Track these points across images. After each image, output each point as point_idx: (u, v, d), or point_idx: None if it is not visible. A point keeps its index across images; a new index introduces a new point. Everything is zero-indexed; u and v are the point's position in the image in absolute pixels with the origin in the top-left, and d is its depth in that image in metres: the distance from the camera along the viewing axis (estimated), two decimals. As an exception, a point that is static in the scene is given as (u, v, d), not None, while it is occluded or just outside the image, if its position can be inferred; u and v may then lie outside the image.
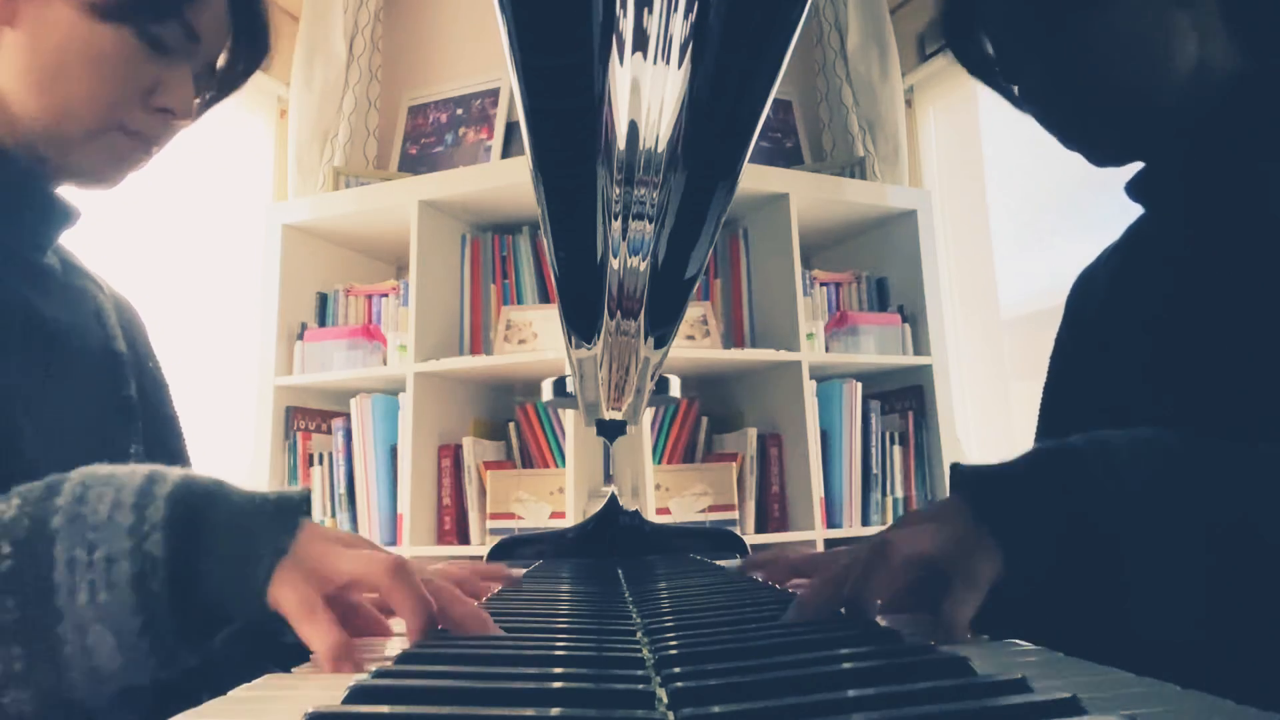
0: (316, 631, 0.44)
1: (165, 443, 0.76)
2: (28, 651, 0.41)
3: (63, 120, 0.65)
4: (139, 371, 0.75)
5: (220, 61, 0.74)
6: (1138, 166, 0.73)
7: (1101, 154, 0.73)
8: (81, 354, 0.68)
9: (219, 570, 0.44)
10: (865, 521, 2.05)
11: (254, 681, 0.37)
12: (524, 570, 0.82)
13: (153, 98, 0.68)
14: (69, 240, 0.74)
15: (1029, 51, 0.71)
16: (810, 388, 1.99)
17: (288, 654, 0.47)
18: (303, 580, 0.45)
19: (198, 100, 0.73)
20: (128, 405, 0.71)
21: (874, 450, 2.09)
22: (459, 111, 2.46)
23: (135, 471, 0.46)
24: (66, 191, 0.71)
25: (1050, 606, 0.47)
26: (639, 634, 0.43)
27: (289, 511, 0.47)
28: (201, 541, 0.44)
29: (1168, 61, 0.65)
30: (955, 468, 0.52)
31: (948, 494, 0.52)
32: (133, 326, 0.78)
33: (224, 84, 0.76)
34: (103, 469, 0.46)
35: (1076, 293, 0.81)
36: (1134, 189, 0.72)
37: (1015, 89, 0.75)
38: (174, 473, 0.47)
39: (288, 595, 0.44)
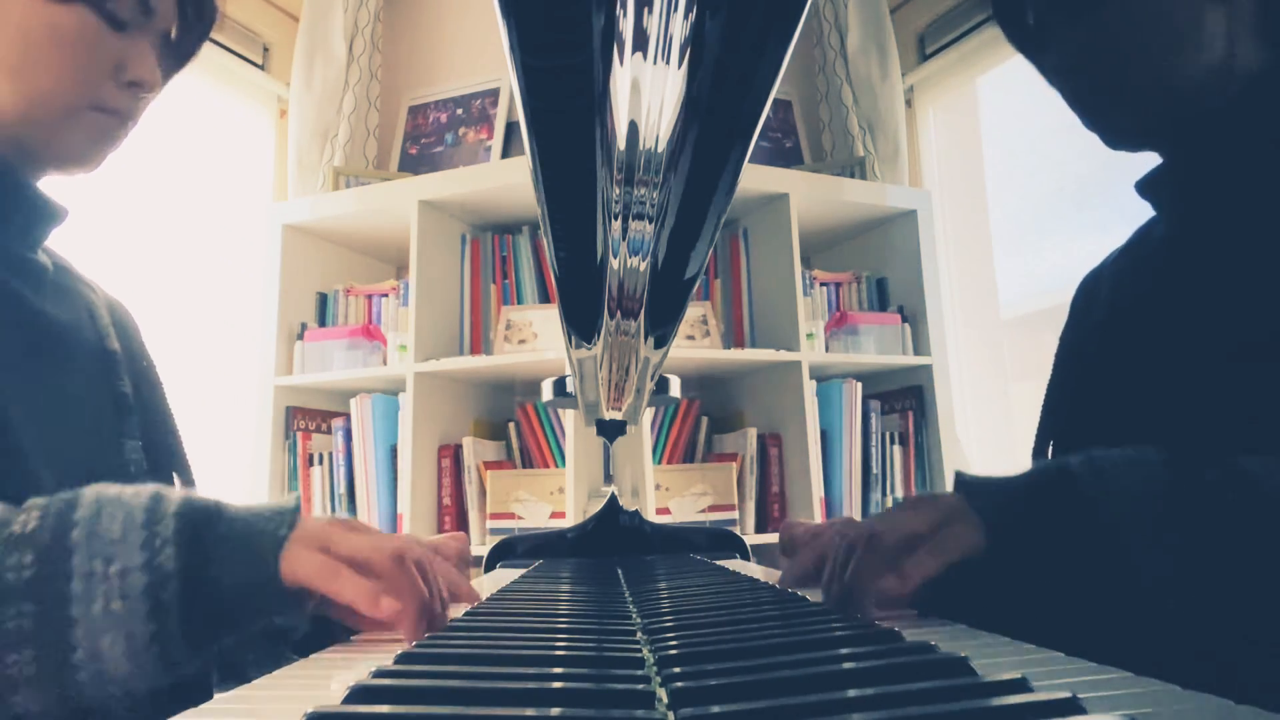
0: (347, 585, 0.47)
1: (160, 440, 0.76)
2: (41, 656, 0.42)
3: (38, 104, 0.65)
4: (133, 370, 0.75)
5: (172, 33, 0.75)
6: (1146, 161, 0.72)
7: (1118, 135, 0.73)
8: (76, 349, 0.69)
9: (228, 574, 0.47)
10: (865, 521, 2.05)
11: (253, 681, 0.37)
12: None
13: (122, 73, 0.69)
14: (60, 246, 0.74)
15: (1069, 23, 0.71)
16: (810, 388, 1.99)
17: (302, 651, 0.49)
18: (315, 549, 0.48)
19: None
20: (122, 401, 0.71)
21: (874, 450, 2.09)
22: (459, 111, 2.46)
23: (140, 491, 0.48)
24: (54, 188, 0.70)
25: (1010, 600, 0.48)
26: (639, 634, 0.43)
27: (285, 512, 0.50)
28: (209, 552, 0.47)
29: (1197, 51, 0.66)
30: (957, 475, 0.54)
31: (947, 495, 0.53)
32: (125, 327, 0.78)
33: (179, 55, 0.76)
34: (111, 488, 0.48)
35: (1081, 296, 0.81)
36: (1144, 188, 0.72)
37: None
38: (176, 492, 0.49)
39: (305, 563, 0.47)
